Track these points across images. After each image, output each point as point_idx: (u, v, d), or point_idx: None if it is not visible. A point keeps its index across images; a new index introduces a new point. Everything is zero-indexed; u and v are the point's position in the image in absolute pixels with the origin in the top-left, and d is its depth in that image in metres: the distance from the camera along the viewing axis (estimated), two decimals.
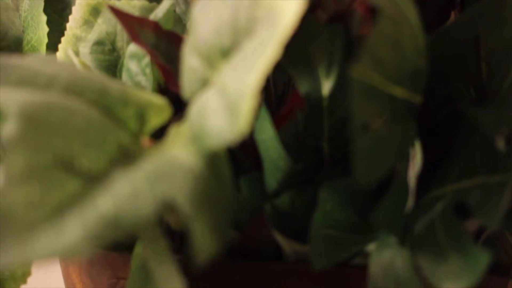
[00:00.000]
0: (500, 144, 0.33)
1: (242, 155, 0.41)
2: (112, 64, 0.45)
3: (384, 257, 0.35)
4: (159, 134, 0.36)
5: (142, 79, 0.42)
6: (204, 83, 0.32)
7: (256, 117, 0.37)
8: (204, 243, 0.28)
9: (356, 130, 0.29)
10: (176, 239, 0.39)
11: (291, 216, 0.38)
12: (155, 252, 0.32)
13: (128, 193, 0.28)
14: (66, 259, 0.27)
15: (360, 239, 0.37)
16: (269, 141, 0.37)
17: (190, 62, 0.33)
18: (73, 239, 0.27)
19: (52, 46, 0.49)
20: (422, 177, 0.37)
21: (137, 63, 0.43)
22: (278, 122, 0.37)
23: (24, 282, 0.42)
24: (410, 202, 0.35)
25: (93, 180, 0.29)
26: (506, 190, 0.31)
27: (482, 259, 0.30)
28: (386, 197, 0.32)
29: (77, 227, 0.27)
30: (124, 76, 0.43)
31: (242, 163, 0.41)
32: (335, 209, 0.37)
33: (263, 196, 0.38)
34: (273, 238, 0.38)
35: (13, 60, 0.31)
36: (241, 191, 0.38)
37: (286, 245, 0.37)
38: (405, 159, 0.33)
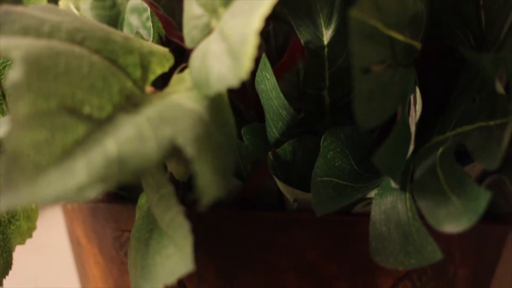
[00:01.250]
0: (499, 87, 0.33)
1: (244, 107, 0.41)
2: (112, 19, 0.45)
3: (386, 202, 0.35)
4: (161, 84, 0.36)
5: (143, 32, 0.42)
6: (206, 31, 0.33)
7: (257, 67, 0.37)
8: (208, 185, 0.28)
9: (356, 73, 0.30)
10: (180, 190, 0.39)
11: (293, 165, 0.38)
12: (160, 198, 0.33)
13: (132, 136, 0.28)
14: (73, 202, 0.27)
15: (361, 186, 0.37)
16: (270, 90, 0.37)
17: (192, 10, 0.33)
18: (80, 181, 0.27)
19: (53, 3, 0.50)
20: (423, 125, 0.38)
21: (137, 17, 0.43)
22: (279, 71, 0.37)
23: (30, 236, 0.42)
24: (411, 148, 0.35)
25: (97, 125, 0.29)
26: (506, 132, 0.31)
27: (482, 198, 0.31)
28: (387, 141, 0.32)
29: (83, 169, 0.27)
30: (125, 30, 0.43)
31: (244, 115, 0.41)
32: (336, 157, 0.37)
33: (265, 145, 0.39)
34: (276, 187, 0.38)
35: (16, 8, 0.31)
36: (243, 141, 0.38)
37: (289, 193, 0.37)
38: (405, 104, 0.34)
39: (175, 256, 0.31)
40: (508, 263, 0.50)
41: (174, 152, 0.29)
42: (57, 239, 0.59)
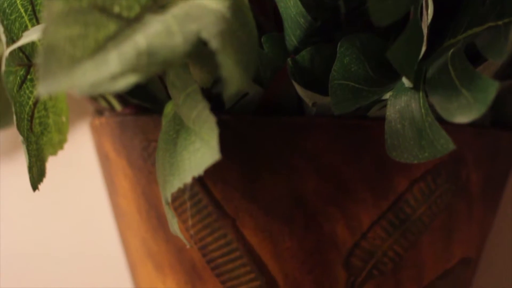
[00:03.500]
0: None
1: (263, 19, 0.43)
2: None
3: (400, 101, 0.37)
4: None
5: None
6: None
7: None
8: (231, 75, 0.30)
9: None
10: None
11: (311, 71, 0.40)
12: (186, 96, 0.34)
13: (160, 31, 0.30)
14: (108, 91, 0.29)
15: (377, 90, 0.39)
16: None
17: None
18: (113, 70, 0.29)
19: None
20: (435, 32, 0.39)
21: None
22: None
23: (61, 148, 0.44)
24: (423, 49, 0.36)
25: (127, 23, 0.31)
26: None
27: (491, 89, 0.32)
28: (400, 38, 0.34)
29: (115, 60, 0.29)
30: None
31: (264, 27, 0.43)
32: (352, 62, 0.39)
33: (284, 54, 0.40)
34: (295, 93, 0.40)
35: None
36: (263, 49, 0.40)
37: (307, 97, 0.39)
38: (418, 5, 0.35)
39: (202, 149, 0.34)
40: None
41: (199, 50, 0.31)
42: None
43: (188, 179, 0.34)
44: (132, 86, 0.29)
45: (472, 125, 0.44)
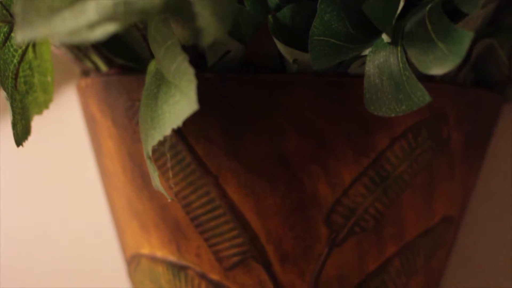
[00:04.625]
0: None
1: None
2: None
3: (379, 57, 0.38)
4: None
5: None
6: None
7: None
8: (208, 24, 0.30)
9: None
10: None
11: (293, 28, 0.40)
12: (166, 49, 0.35)
13: None
14: (86, 40, 0.29)
15: (357, 47, 0.39)
16: None
17: None
18: (91, 19, 0.29)
19: None
20: None
21: None
22: None
23: (47, 107, 0.45)
24: (401, 4, 0.37)
25: None
26: None
27: (465, 41, 0.33)
28: None
29: (93, 9, 0.30)
30: None
31: None
32: (333, 20, 0.39)
33: (265, 11, 0.41)
34: (277, 50, 0.41)
35: None
36: (245, 6, 0.40)
37: (288, 54, 0.40)
38: None
39: (181, 101, 0.34)
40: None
41: (176, 2, 0.31)
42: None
43: (167, 131, 0.35)
44: (110, 35, 0.30)
45: (454, 84, 0.44)
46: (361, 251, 0.43)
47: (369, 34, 0.40)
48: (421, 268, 0.47)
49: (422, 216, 0.45)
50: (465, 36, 0.33)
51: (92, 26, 0.29)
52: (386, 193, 0.43)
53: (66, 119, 0.61)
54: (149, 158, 0.37)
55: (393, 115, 0.36)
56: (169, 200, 0.40)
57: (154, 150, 0.43)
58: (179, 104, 0.34)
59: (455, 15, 0.39)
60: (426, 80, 0.43)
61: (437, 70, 0.34)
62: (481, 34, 0.44)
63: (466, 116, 0.45)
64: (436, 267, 0.48)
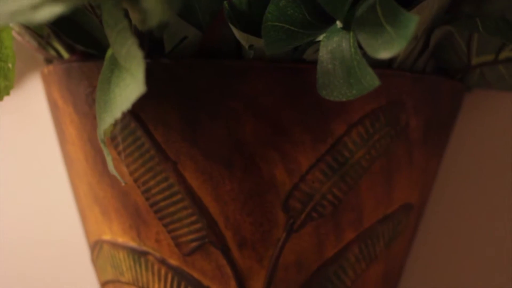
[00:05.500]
0: None
1: None
2: None
3: (332, 42, 0.38)
4: None
5: None
6: None
7: None
8: (153, 7, 0.31)
9: None
10: (145, 42, 0.42)
11: (249, 14, 0.40)
12: (117, 33, 0.35)
13: None
14: (30, 22, 0.29)
15: (312, 33, 0.40)
16: None
17: None
18: (33, 1, 0.29)
19: None
20: None
21: None
22: None
23: (7, 93, 0.45)
24: None
25: None
26: None
27: (411, 24, 0.33)
28: None
29: None
30: None
31: None
32: (288, 6, 0.39)
33: None
34: (234, 36, 0.41)
35: None
36: None
37: (244, 40, 0.40)
38: None
39: (131, 85, 0.34)
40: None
41: None
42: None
43: (118, 115, 0.35)
44: (56, 17, 0.30)
45: (412, 71, 0.45)
46: (319, 236, 0.44)
47: (325, 21, 0.40)
48: (381, 255, 0.47)
49: (380, 202, 0.45)
50: (411, 20, 0.33)
51: (35, 7, 0.29)
52: (344, 179, 0.43)
53: (33, 108, 0.61)
54: (103, 142, 0.37)
55: (344, 99, 0.37)
56: (123, 184, 0.41)
57: (113, 135, 0.43)
58: (130, 87, 0.34)
59: (411, 2, 0.40)
60: (384, 67, 0.44)
61: (385, 53, 0.34)
62: (439, 22, 0.44)
63: (425, 103, 0.45)
64: (397, 254, 0.49)
